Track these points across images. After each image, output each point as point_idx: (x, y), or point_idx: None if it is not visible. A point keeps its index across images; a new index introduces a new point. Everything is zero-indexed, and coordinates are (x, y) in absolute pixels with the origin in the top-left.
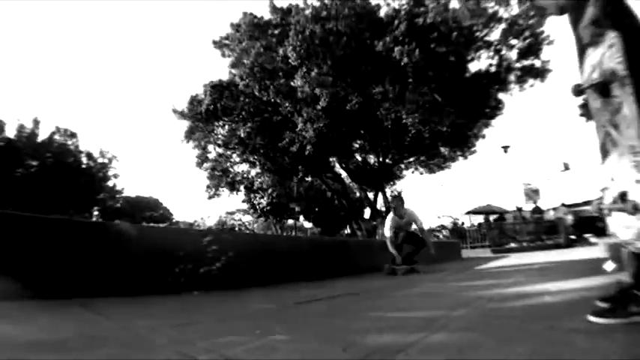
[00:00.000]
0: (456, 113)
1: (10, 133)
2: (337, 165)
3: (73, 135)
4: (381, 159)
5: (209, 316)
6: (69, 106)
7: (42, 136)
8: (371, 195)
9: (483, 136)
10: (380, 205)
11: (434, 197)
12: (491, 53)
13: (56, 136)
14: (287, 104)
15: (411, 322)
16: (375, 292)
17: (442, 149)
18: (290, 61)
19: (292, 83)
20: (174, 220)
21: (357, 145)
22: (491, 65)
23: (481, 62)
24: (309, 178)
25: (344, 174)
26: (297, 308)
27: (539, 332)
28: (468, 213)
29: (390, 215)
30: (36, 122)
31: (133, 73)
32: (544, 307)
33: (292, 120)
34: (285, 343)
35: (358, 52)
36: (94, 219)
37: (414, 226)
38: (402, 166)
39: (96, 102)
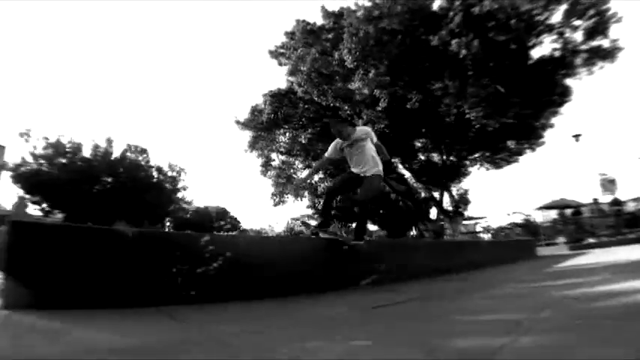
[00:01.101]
0: (520, 104)
1: (87, 152)
2: (400, 165)
3: (143, 151)
4: (444, 157)
5: (286, 321)
6: (138, 122)
7: (115, 153)
8: (436, 194)
9: (552, 126)
10: (446, 204)
11: (502, 194)
12: (554, 37)
13: (128, 153)
14: (346, 107)
15: (495, 324)
16: (453, 294)
17: (508, 143)
18: (346, 64)
19: (350, 86)
20: (241, 228)
21: (419, 144)
22: (555, 50)
23: (544, 47)
24: None
25: (407, 174)
26: (375, 312)
27: None
28: (540, 208)
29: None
30: (109, 141)
31: (198, 88)
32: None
33: (353, 123)
34: (368, 349)
35: (414, 48)
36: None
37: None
38: (467, 162)
39: (163, 117)
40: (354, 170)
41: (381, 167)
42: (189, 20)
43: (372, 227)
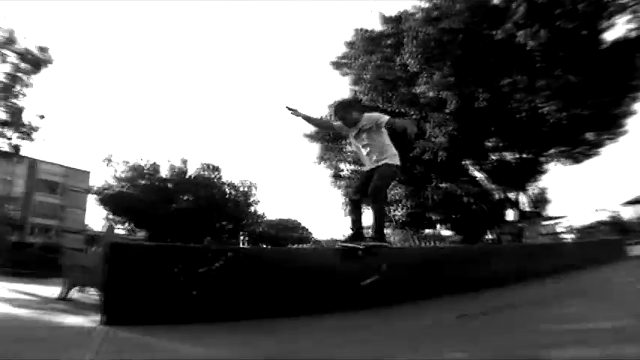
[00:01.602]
0: (596, 92)
1: (164, 173)
2: (472, 167)
3: (216, 169)
4: (518, 155)
5: (376, 334)
6: (210, 140)
7: (190, 172)
8: (512, 195)
9: (634, 113)
10: (523, 205)
11: (585, 190)
12: (629, 16)
13: (202, 172)
14: (412, 112)
15: (593, 333)
16: (541, 300)
17: (586, 135)
18: (409, 68)
19: (415, 90)
20: (313, 239)
21: (490, 144)
22: (630, 30)
23: (617, 29)
24: (443, 185)
25: (480, 176)
26: (465, 322)
27: None
28: (628, 203)
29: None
30: (184, 161)
31: (265, 103)
32: None
33: (421, 127)
34: None
35: (477, 46)
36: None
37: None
38: (543, 159)
39: (233, 134)
40: (365, 167)
41: (393, 155)
42: (254, 35)
43: (445, 232)
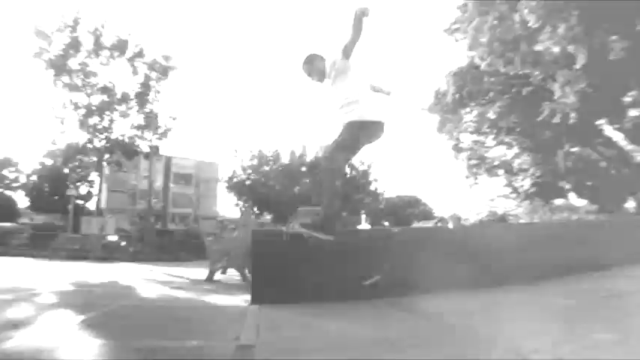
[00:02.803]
0: None
1: (285, 159)
2: (607, 127)
3: None
4: None
5: (514, 313)
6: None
7: (309, 156)
8: None
9: None
10: None
11: None
12: None
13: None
14: (537, 73)
15: None
16: None
17: None
18: (530, 24)
19: (538, 48)
20: (436, 216)
21: (628, 99)
22: None
23: None
24: (575, 149)
25: (617, 136)
26: (608, 303)
27: None
28: None
29: None
30: (303, 146)
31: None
32: None
33: (546, 88)
34: (612, 344)
35: None
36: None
37: None
38: None
39: None
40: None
41: (359, 105)
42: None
43: (578, 202)
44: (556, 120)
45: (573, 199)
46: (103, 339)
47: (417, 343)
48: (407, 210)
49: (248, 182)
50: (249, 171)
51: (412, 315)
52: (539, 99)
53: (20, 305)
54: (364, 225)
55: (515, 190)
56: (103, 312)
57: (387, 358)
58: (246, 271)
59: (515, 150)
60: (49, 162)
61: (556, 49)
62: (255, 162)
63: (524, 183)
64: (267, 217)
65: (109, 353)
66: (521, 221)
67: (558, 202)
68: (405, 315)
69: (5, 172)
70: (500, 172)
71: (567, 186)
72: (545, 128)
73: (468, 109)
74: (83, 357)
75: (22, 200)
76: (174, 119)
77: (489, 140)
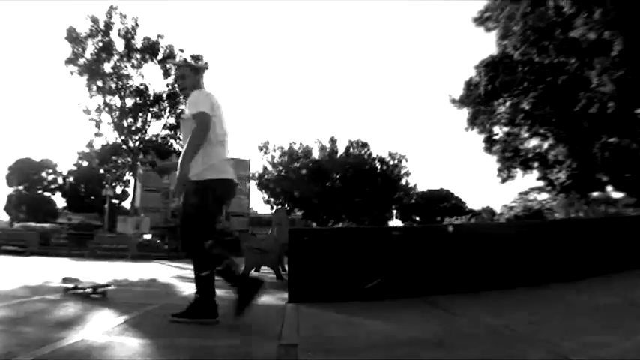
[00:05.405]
0: None
1: (315, 154)
2: None
3: (364, 145)
4: None
5: (553, 312)
6: (356, 116)
7: (340, 151)
8: None
9: None
10: None
11: None
12: None
13: (351, 150)
14: (572, 61)
15: None
16: None
17: None
18: (564, 10)
19: (573, 35)
20: (469, 209)
21: None
22: None
23: None
24: (613, 139)
25: None
26: None
27: None
28: None
29: None
30: (333, 141)
31: (405, 73)
32: None
33: (583, 77)
34: None
35: None
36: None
37: None
38: None
39: (377, 107)
40: None
41: (207, 164)
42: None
43: (616, 195)
44: (593, 110)
45: (611, 191)
46: (148, 338)
47: (463, 344)
48: (438, 204)
49: (278, 179)
50: (280, 168)
51: (453, 315)
52: (575, 88)
53: (67, 305)
54: (395, 221)
55: (550, 182)
56: (145, 311)
57: (438, 358)
58: (281, 268)
59: (550, 141)
60: (84, 164)
61: (592, 36)
62: (285, 158)
63: (560, 175)
64: (298, 213)
65: (155, 353)
66: (557, 215)
67: (595, 194)
68: (447, 314)
69: (44, 174)
70: (535, 164)
71: (605, 178)
72: (581, 118)
73: (500, 100)
74: (129, 356)
75: (59, 201)
76: None
77: (524, 132)
